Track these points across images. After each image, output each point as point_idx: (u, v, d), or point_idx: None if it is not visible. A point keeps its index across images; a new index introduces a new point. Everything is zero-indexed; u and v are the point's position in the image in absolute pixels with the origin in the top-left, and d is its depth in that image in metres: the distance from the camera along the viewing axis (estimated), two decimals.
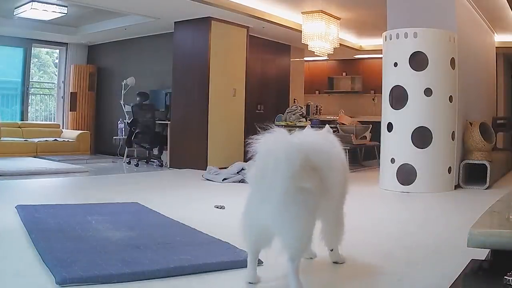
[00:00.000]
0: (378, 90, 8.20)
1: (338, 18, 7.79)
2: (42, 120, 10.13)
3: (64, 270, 2.22)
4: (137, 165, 7.80)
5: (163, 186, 5.78)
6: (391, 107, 5.59)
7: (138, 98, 8.31)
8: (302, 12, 7.49)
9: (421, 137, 5.38)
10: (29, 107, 9.83)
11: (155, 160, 8.01)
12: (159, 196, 4.85)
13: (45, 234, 2.96)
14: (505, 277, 1.63)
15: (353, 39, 9.86)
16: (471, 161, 5.82)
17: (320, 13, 7.33)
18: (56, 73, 10.35)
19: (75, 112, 9.93)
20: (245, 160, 6.85)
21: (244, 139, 7.85)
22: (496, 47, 8.75)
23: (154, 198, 4.64)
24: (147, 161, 8.10)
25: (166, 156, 7.88)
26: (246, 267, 2.20)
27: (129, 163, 8.12)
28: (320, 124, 8.05)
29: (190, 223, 3.40)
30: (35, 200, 4.28)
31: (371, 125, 8.02)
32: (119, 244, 2.78)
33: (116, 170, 7.51)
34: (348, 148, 7.58)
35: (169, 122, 7.85)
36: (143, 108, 7.98)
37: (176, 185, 5.81)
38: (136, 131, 7.88)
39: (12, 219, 3.47)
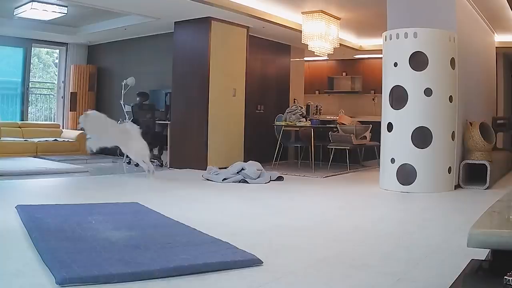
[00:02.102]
0: (378, 90, 8.21)
1: (338, 18, 7.79)
2: (42, 120, 10.12)
3: (64, 270, 2.22)
4: (137, 165, 7.76)
5: (163, 186, 5.78)
6: (391, 107, 5.59)
7: (138, 98, 8.30)
8: (302, 12, 7.49)
9: (421, 137, 5.38)
10: (29, 107, 9.82)
11: (155, 160, 7.99)
12: (159, 196, 4.86)
13: (45, 234, 2.96)
14: (505, 277, 1.63)
15: (353, 39, 9.86)
16: (471, 161, 5.82)
17: (320, 13, 7.33)
18: (56, 73, 10.35)
19: (75, 112, 9.93)
20: (244, 160, 6.84)
21: (244, 139, 7.87)
22: (496, 47, 8.75)
23: (154, 198, 4.65)
24: None
25: (166, 156, 7.87)
26: (246, 267, 2.21)
27: (129, 163, 8.10)
28: (320, 124, 8.07)
29: (190, 223, 3.40)
30: (35, 200, 4.29)
31: (371, 125, 8.02)
32: (119, 244, 2.78)
33: (116, 170, 7.50)
34: (348, 148, 7.60)
35: (169, 122, 7.84)
36: (143, 108, 7.97)
37: (176, 185, 5.81)
38: None
39: (12, 219, 3.47)
